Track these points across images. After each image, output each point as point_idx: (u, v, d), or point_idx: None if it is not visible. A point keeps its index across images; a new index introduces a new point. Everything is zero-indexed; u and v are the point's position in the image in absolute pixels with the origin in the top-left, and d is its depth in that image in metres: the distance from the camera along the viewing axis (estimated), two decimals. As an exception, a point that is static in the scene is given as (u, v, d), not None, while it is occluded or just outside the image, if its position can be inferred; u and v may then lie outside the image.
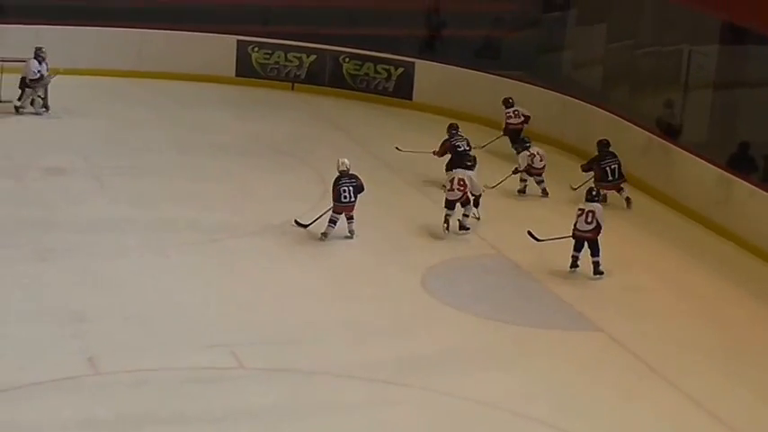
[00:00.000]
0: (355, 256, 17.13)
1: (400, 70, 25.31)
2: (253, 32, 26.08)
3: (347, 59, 25.69)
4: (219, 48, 25.41)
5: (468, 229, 18.30)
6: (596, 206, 16.91)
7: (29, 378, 12.97)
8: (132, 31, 25.44)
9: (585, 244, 16.89)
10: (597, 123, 21.96)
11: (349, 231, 17.74)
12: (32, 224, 17.31)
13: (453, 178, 18.30)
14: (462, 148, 20.05)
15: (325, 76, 25.53)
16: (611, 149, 20.04)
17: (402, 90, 25.10)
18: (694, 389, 13.85)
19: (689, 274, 17.45)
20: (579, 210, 16.94)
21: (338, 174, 17.73)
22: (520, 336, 15.11)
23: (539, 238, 17.30)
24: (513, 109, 22.36)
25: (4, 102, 22.58)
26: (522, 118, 22.23)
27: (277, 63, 25.88)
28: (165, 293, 15.46)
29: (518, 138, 21.56)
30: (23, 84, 22.44)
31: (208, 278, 16.04)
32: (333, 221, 17.64)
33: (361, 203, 17.82)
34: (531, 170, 20.22)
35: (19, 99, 22.47)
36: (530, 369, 14.22)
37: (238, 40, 25.83)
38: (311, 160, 21.17)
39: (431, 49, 26.57)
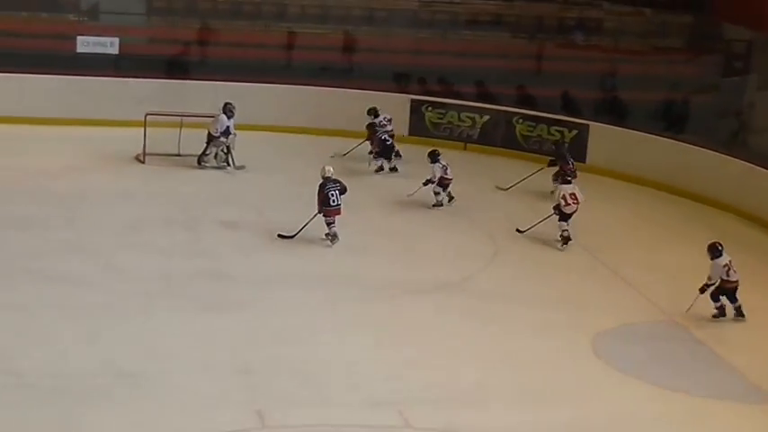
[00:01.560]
0: (525, 318, 16.90)
1: (574, 132, 25.11)
2: (427, 92, 26.24)
3: (520, 120, 25.62)
4: (394, 106, 25.53)
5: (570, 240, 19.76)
6: (727, 255, 17.35)
7: (198, 428, 13.13)
8: (310, 89, 25.79)
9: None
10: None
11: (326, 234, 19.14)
12: (205, 276, 17.55)
13: (564, 194, 19.73)
14: (390, 142, 23.36)
15: (498, 137, 25.48)
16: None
17: (576, 152, 24.83)
18: None
19: None
20: (725, 265, 17.14)
21: (323, 180, 19.10)
22: (693, 406, 14.76)
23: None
24: (383, 117, 23.76)
25: (183, 155, 23.05)
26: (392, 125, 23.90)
27: (450, 123, 25.97)
28: (334, 348, 15.47)
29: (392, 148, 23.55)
30: (210, 138, 22.87)
31: (376, 335, 16.00)
32: (330, 224, 19.06)
33: (530, 262, 17.87)
34: (443, 181, 21.16)
35: (204, 153, 22.92)
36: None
37: (412, 99, 26.02)
38: (481, 220, 21.15)
39: (606, 111, 26.35)
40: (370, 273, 18.18)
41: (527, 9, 29.32)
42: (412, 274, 18.29)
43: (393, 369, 14.96)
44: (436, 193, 21.46)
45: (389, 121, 24.12)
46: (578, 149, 24.79)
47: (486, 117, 25.70)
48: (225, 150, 22.91)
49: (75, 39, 25.92)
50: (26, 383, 13.89)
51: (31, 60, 25.16)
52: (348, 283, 17.72)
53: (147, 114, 22.92)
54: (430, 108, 26.01)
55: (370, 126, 23.88)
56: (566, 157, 22.55)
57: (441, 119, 25.99)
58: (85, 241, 18.67)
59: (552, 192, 21.26)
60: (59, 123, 24.44)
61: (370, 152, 23.70)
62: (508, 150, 25.18)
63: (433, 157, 21.46)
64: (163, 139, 22.87)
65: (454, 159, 24.18)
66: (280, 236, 19.17)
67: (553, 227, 20.01)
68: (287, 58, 27.07)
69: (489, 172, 23.83)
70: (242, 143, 23.01)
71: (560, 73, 27.07)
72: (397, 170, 23.50)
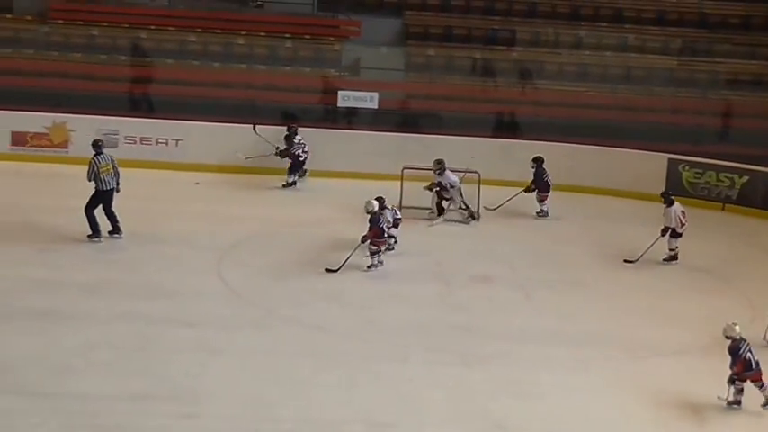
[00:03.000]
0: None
1: (839, 194, 24.36)
2: (684, 151, 25.84)
3: (782, 182, 24.98)
4: (650, 165, 25.24)
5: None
6: None
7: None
8: (564, 146, 25.71)
9: None
10: None
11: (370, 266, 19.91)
12: (459, 329, 17.63)
13: (678, 215, 20.88)
14: (303, 158, 24.51)
15: (758, 198, 24.84)
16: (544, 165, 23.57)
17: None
18: None
19: None
20: None
21: (373, 215, 19.81)
22: None
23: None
24: (300, 137, 24.52)
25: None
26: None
27: (707, 183, 25.45)
28: (586, 407, 15.33)
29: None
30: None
31: (628, 395, 15.76)
32: (376, 253, 19.83)
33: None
34: (397, 223, 21.02)
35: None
36: None
37: (669, 159, 25.61)
38: (739, 283, 20.58)
39: None
40: (623, 333, 17.90)
41: (790, 69, 28.69)
42: (664, 336, 17.92)
43: (648, 431, 14.74)
44: (390, 236, 20.95)
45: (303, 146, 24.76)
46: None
47: (746, 178, 25.11)
48: (463, 207, 23.02)
49: (336, 93, 26.56)
50: (282, 430, 14.23)
51: (295, 113, 26.01)
52: (600, 343, 17.50)
53: (405, 168, 23.26)
54: (687, 167, 25.57)
55: (289, 138, 24.53)
56: (543, 174, 23.55)
57: (698, 178, 25.50)
58: (340, 291, 19.03)
59: (539, 213, 23.42)
60: (318, 175, 25.03)
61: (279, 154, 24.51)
62: (769, 212, 24.56)
63: (380, 204, 20.95)
64: (418, 192, 23.14)
65: (711, 220, 23.82)
66: (327, 270, 19.55)
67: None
68: (540, 116, 27.06)
69: (748, 234, 23.28)
70: (493, 198, 23.20)
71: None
72: (295, 184, 24.56)
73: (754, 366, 15.40)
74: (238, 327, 17.23)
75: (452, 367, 16.29)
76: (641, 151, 25.56)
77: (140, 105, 26.54)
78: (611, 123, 26.70)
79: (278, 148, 24.58)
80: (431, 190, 23.11)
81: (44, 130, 24.98)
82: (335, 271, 19.59)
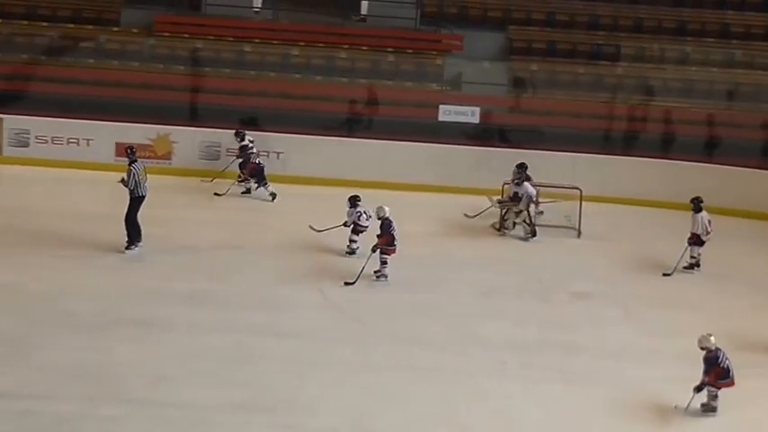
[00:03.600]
0: None
1: None
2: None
3: None
4: (758, 183, 24.84)
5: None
6: None
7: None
8: (668, 163, 25.41)
9: None
10: None
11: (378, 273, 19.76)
12: (557, 346, 17.52)
13: (705, 223, 20.82)
14: (263, 165, 24.14)
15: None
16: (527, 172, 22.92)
17: None
18: None
19: None
20: None
21: (384, 220, 19.66)
22: None
23: None
24: (249, 138, 24.36)
25: (538, 226, 23.05)
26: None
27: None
28: (684, 429, 15.17)
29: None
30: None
31: (728, 416, 15.54)
32: (386, 263, 19.61)
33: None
34: (357, 228, 20.67)
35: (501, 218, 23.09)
36: None
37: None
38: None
39: None
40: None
41: None
42: (764, 357, 17.64)
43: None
44: (352, 241, 20.82)
45: (252, 142, 24.54)
46: None
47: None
48: (527, 221, 22.76)
49: (437, 107, 26.53)
50: (380, 443, 14.30)
51: (395, 127, 26.01)
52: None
53: (505, 184, 23.15)
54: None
55: (243, 149, 24.32)
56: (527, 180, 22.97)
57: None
58: (437, 305, 19.00)
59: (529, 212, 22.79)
60: (419, 190, 24.99)
61: (240, 178, 24.30)
62: None
63: (353, 202, 20.87)
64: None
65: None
66: (346, 283, 19.41)
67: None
68: (642, 131, 26.82)
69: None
70: (593, 214, 23.13)
71: None
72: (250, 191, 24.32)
73: (730, 375, 15.62)
74: (337, 339, 17.27)
75: (551, 384, 16.17)
76: (749, 169, 25.18)
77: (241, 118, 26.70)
78: (717, 140, 26.37)
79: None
80: (500, 203, 22.97)
81: (148, 142, 25.25)
82: (352, 283, 19.49)
